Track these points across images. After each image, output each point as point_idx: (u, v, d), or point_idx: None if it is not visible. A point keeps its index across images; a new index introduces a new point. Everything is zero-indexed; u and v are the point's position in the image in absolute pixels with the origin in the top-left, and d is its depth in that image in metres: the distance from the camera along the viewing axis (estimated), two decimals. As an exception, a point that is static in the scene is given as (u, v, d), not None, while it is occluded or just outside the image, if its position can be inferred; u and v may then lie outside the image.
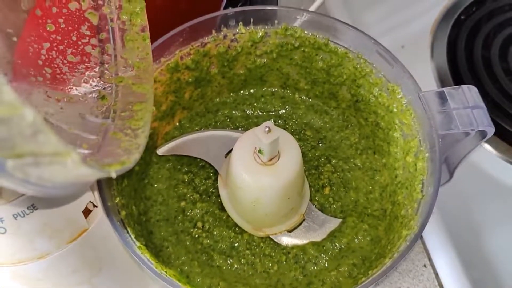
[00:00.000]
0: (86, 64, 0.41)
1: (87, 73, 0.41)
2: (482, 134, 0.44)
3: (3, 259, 0.38)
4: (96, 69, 0.42)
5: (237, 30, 0.50)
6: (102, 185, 0.40)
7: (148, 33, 0.43)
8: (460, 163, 0.48)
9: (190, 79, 0.51)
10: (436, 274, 0.56)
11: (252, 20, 0.50)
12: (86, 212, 0.39)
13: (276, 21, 0.50)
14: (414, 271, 0.57)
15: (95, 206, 0.40)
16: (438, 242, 0.57)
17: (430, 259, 0.57)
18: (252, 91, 0.56)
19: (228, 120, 0.55)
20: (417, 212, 0.42)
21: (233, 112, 0.55)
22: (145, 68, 0.42)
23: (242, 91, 0.56)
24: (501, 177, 0.63)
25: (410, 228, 0.41)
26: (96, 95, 0.41)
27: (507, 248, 0.60)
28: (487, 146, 0.64)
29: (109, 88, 0.42)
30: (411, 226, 0.41)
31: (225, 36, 0.50)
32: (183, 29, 0.47)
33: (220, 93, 0.55)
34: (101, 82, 0.42)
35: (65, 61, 0.40)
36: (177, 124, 0.54)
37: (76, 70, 0.41)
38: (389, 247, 0.43)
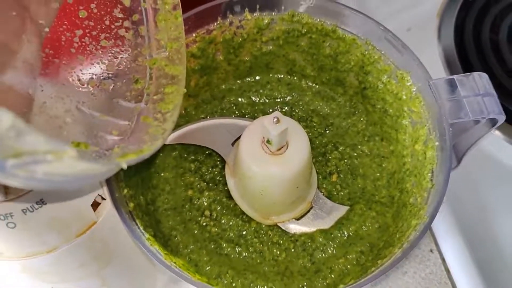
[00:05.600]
0: (119, 48, 0.41)
1: (120, 56, 0.41)
2: (492, 122, 0.43)
3: (13, 253, 0.38)
4: (130, 52, 0.41)
5: (243, 17, 0.50)
6: (110, 176, 0.39)
7: (180, 10, 0.42)
8: (468, 150, 0.47)
9: (196, 67, 0.51)
10: (443, 259, 0.56)
11: (258, 6, 0.49)
12: (95, 205, 0.39)
13: (282, 7, 0.49)
14: (420, 256, 0.57)
15: (103, 198, 0.40)
16: (445, 227, 0.57)
17: (436, 244, 0.57)
18: (258, 78, 0.56)
19: (234, 107, 0.55)
20: (427, 202, 0.42)
21: (239, 99, 0.55)
22: (178, 48, 0.42)
23: (248, 78, 0.56)
24: (509, 163, 0.62)
25: (419, 218, 0.41)
26: (129, 79, 0.41)
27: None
28: (495, 131, 0.63)
29: (143, 71, 0.41)
30: (420, 215, 0.41)
31: (231, 23, 0.50)
32: (188, 17, 0.47)
33: (226, 80, 0.55)
34: (135, 65, 0.41)
35: (98, 47, 0.40)
36: (183, 112, 0.53)
37: (109, 55, 0.40)
38: (397, 236, 0.43)
